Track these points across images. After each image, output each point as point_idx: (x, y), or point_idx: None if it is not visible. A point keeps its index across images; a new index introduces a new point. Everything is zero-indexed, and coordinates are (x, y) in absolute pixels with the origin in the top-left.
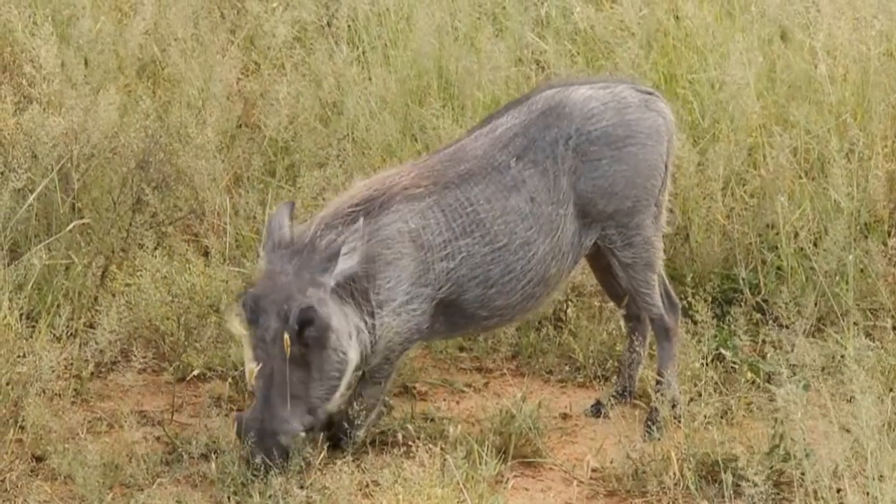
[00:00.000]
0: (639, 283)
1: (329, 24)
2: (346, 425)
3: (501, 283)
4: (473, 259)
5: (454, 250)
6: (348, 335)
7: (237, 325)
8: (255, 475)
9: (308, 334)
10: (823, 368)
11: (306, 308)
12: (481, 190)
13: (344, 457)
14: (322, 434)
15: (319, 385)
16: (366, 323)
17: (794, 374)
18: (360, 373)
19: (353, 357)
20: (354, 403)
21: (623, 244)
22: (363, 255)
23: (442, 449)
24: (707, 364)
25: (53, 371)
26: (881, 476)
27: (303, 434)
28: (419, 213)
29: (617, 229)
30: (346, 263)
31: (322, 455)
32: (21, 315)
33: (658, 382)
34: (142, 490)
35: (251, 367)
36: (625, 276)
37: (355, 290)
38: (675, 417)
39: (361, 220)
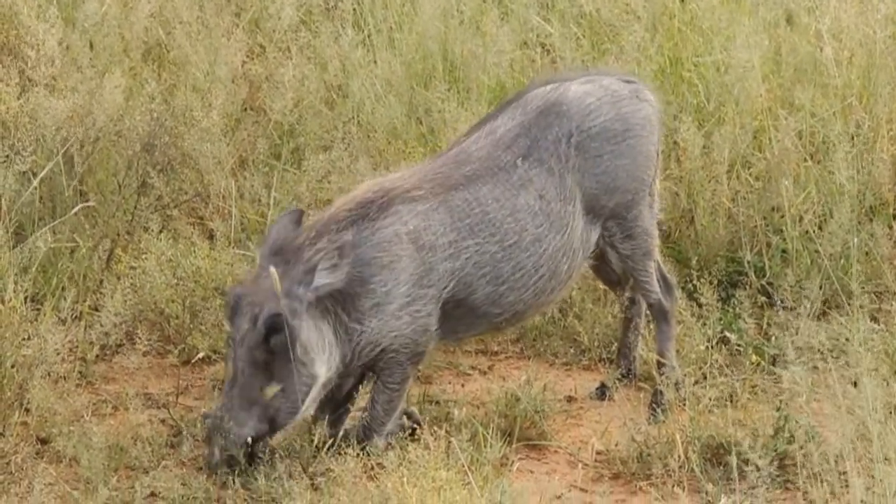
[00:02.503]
0: (638, 272)
1: (334, 7)
2: (362, 435)
3: (513, 280)
4: (482, 258)
5: (459, 250)
6: (320, 350)
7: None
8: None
9: (274, 342)
10: (828, 351)
11: (275, 315)
12: (489, 190)
13: (348, 441)
14: (327, 425)
15: (282, 396)
16: (349, 331)
17: (799, 356)
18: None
19: (321, 374)
20: (369, 412)
21: (623, 237)
22: (347, 272)
23: (447, 432)
24: (712, 347)
25: (58, 354)
26: (886, 459)
27: (249, 441)
28: (420, 215)
29: (617, 222)
30: (326, 279)
31: (327, 441)
32: (26, 298)
33: (660, 365)
34: (146, 472)
35: None
36: (624, 266)
37: (345, 297)
38: (679, 399)
39: (350, 234)
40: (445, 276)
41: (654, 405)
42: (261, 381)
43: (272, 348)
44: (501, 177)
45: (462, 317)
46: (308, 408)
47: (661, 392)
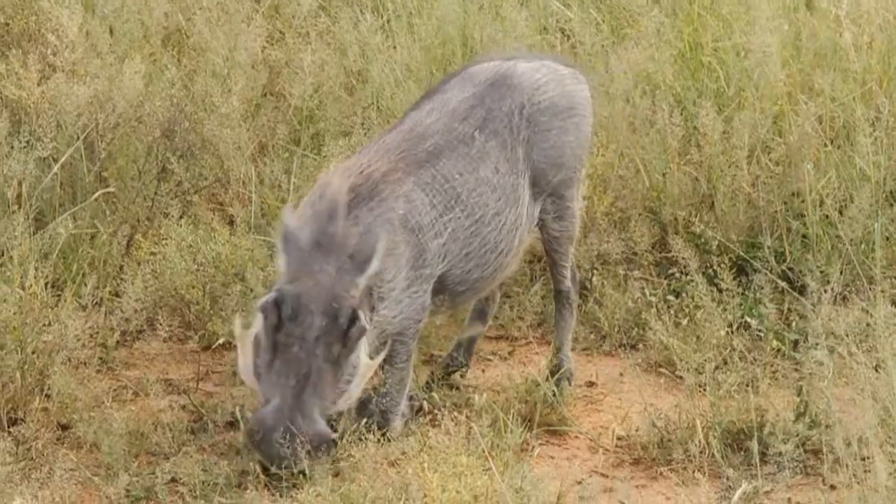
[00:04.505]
0: (561, 255)
1: None
2: (381, 420)
3: (479, 256)
4: (457, 233)
5: (441, 227)
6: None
7: (239, 325)
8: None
9: (351, 335)
10: (849, 336)
11: (355, 309)
12: (453, 164)
13: (369, 426)
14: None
15: (344, 385)
16: (370, 319)
17: (820, 342)
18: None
19: (364, 361)
20: (382, 398)
21: (555, 217)
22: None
23: (467, 417)
24: (732, 332)
25: (79, 340)
26: None
27: (334, 436)
28: (404, 197)
29: (553, 201)
30: (377, 266)
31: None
32: (47, 284)
33: (557, 352)
34: (167, 458)
35: (248, 364)
36: (548, 248)
37: (365, 289)
38: (698, 385)
39: (371, 217)
40: (437, 254)
41: (557, 380)
42: (331, 375)
43: (346, 341)
44: (462, 149)
45: (434, 294)
46: (354, 396)
47: (568, 372)
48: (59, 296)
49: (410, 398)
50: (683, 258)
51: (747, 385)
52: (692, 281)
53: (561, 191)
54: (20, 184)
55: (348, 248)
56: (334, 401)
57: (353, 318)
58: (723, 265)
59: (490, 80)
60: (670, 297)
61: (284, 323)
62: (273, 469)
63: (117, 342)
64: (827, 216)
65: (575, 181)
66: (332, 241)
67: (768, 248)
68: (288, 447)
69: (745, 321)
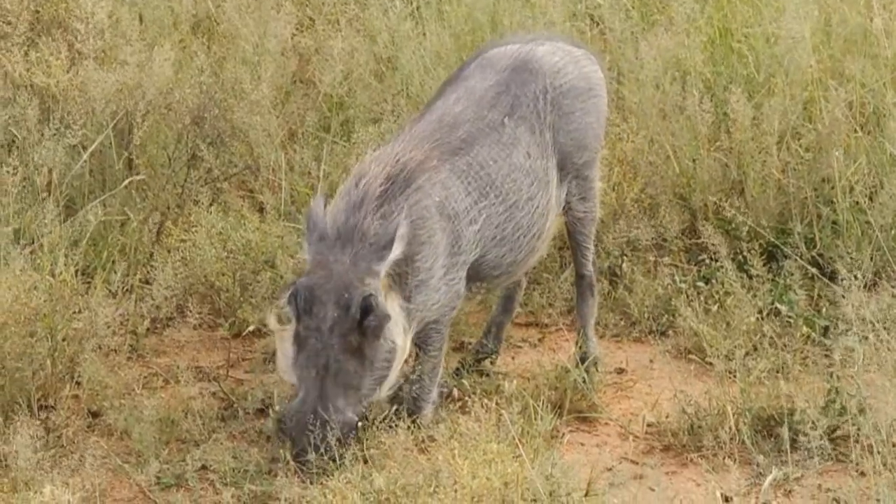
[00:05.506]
0: (585, 237)
1: None
2: (413, 407)
3: (512, 241)
4: (492, 219)
5: (476, 214)
6: (396, 323)
7: (274, 321)
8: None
9: (368, 324)
10: (880, 322)
11: (368, 297)
12: (487, 151)
13: (399, 412)
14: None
15: (370, 375)
16: (401, 307)
17: (851, 328)
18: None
19: (401, 345)
20: (417, 384)
21: (580, 198)
22: (407, 241)
23: (497, 404)
24: (763, 318)
25: (109, 327)
26: None
27: (359, 424)
28: (440, 184)
29: (578, 182)
30: (398, 251)
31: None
32: (77, 271)
33: (585, 338)
34: (198, 445)
35: (286, 359)
36: (573, 230)
37: (394, 275)
38: (728, 371)
39: (405, 206)
40: (472, 241)
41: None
42: (353, 365)
43: (364, 330)
44: (494, 136)
45: (468, 280)
46: (393, 383)
47: (595, 358)
48: (89, 283)
49: (440, 385)
50: (713, 244)
51: (777, 371)
52: (722, 267)
53: (584, 172)
54: (50, 171)
55: (369, 238)
56: (372, 389)
57: (368, 308)
58: (753, 251)
59: (511, 66)
60: (700, 284)
61: (301, 316)
62: (302, 457)
63: (147, 329)
64: (857, 202)
65: (596, 161)
66: (353, 231)
67: (798, 234)
68: (313, 436)
69: (776, 307)
